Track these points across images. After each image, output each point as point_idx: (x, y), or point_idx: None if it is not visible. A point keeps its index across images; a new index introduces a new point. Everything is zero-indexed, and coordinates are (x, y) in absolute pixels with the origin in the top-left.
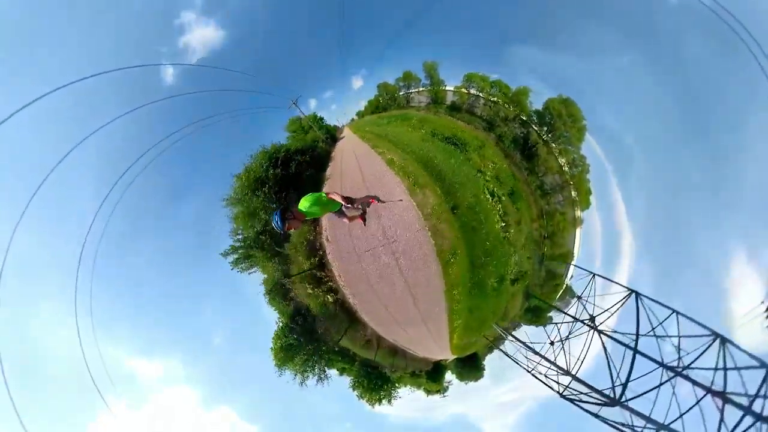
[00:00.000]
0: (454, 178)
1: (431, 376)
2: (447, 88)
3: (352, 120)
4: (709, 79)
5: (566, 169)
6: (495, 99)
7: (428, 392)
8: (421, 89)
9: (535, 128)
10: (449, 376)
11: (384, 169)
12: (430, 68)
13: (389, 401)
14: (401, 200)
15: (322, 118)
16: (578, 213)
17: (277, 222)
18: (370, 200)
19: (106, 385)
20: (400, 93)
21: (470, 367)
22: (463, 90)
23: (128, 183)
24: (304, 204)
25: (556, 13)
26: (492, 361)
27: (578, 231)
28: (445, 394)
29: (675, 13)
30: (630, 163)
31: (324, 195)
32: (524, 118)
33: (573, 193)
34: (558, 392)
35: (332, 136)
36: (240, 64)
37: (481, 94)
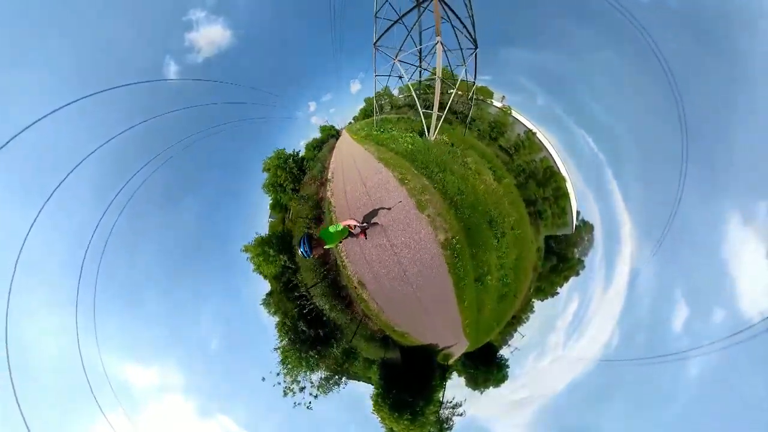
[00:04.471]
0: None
1: (402, 403)
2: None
3: (350, 124)
4: (689, 66)
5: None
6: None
7: None
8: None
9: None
10: (451, 388)
11: (369, 156)
12: (386, 90)
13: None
14: (400, 201)
15: (333, 126)
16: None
17: (305, 249)
18: (366, 226)
19: (101, 393)
20: (380, 103)
21: (487, 367)
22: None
23: (127, 191)
24: (330, 229)
25: (536, 15)
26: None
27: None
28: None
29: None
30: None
31: (343, 227)
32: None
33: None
34: None
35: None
36: (242, 68)
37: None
